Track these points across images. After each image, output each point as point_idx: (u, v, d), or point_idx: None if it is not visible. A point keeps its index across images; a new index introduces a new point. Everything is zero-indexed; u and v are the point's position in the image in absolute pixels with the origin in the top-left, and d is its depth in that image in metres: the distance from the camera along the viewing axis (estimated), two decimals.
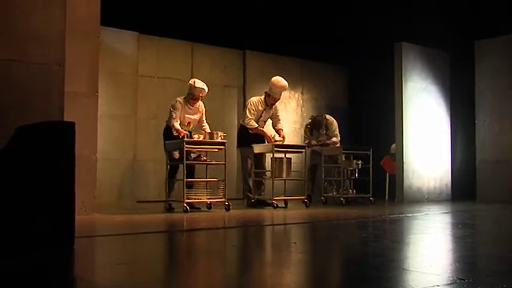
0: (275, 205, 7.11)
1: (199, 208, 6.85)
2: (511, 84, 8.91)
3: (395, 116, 9.13)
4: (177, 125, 6.78)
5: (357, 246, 3.89)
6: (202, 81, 7.00)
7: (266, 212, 6.70)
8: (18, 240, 3.19)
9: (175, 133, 6.77)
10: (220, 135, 6.76)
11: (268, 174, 7.56)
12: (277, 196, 7.24)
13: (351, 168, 8.15)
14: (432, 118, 9.51)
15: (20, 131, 3.34)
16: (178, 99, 6.94)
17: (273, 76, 7.72)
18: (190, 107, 6.98)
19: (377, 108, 10.15)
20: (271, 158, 7.28)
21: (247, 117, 7.54)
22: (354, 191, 8.34)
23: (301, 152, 7.74)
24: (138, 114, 8.30)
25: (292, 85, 8.94)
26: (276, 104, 7.71)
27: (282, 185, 7.47)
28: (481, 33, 9.20)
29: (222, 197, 6.67)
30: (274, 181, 7.21)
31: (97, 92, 6.10)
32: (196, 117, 7.06)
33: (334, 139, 8.59)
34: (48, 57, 3.81)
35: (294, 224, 5.44)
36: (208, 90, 6.98)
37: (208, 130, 6.99)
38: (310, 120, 8.88)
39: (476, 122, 9.29)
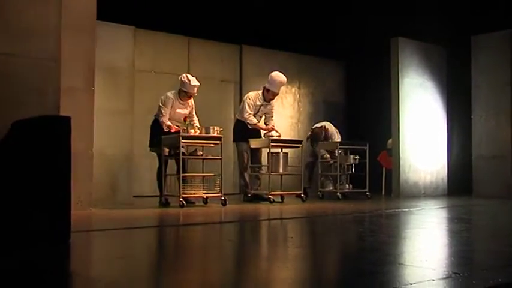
0: (271, 200, 7.12)
1: (194, 203, 6.85)
2: (508, 79, 8.94)
3: (392, 111, 9.13)
4: (167, 120, 6.76)
5: (353, 241, 3.90)
6: (193, 76, 6.91)
7: (262, 207, 6.71)
8: (13, 236, 3.18)
9: (166, 129, 6.75)
10: (217, 130, 6.75)
11: (264, 169, 7.57)
12: (273, 191, 7.24)
13: (347, 163, 8.16)
14: (429, 113, 9.51)
15: (15, 126, 3.32)
16: (169, 94, 6.88)
17: (270, 71, 7.70)
18: (182, 102, 6.92)
19: (374, 103, 10.16)
20: (268, 153, 7.28)
21: (247, 112, 7.50)
22: (351, 186, 8.36)
23: (298, 147, 7.74)
24: (135, 109, 8.27)
25: (289, 80, 8.91)
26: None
27: (278, 179, 7.48)
28: (477, 29, 9.21)
29: (218, 191, 6.67)
30: (271, 176, 7.21)
31: (93, 87, 6.09)
32: (186, 111, 7.00)
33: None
34: (43, 52, 3.80)
35: (291, 219, 5.45)
36: (200, 84, 6.96)
37: (197, 124, 6.94)
38: (310, 133, 8.81)
39: (472, 117, 9.30)
